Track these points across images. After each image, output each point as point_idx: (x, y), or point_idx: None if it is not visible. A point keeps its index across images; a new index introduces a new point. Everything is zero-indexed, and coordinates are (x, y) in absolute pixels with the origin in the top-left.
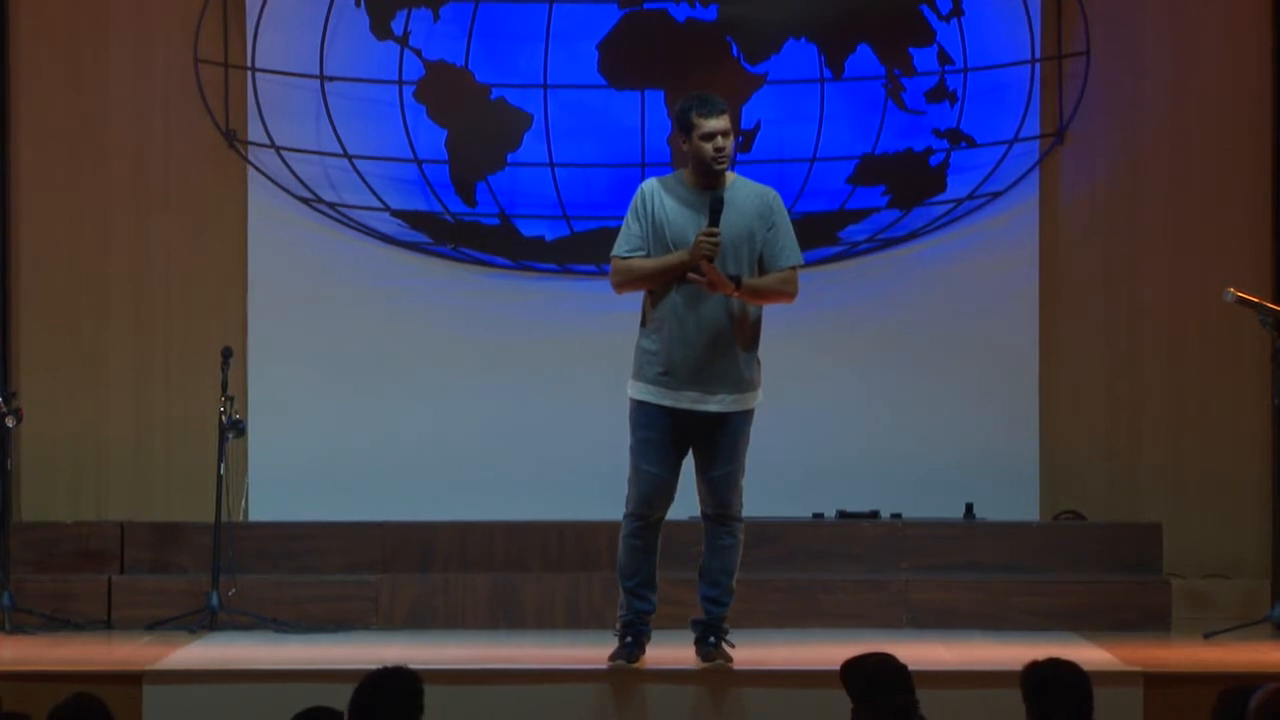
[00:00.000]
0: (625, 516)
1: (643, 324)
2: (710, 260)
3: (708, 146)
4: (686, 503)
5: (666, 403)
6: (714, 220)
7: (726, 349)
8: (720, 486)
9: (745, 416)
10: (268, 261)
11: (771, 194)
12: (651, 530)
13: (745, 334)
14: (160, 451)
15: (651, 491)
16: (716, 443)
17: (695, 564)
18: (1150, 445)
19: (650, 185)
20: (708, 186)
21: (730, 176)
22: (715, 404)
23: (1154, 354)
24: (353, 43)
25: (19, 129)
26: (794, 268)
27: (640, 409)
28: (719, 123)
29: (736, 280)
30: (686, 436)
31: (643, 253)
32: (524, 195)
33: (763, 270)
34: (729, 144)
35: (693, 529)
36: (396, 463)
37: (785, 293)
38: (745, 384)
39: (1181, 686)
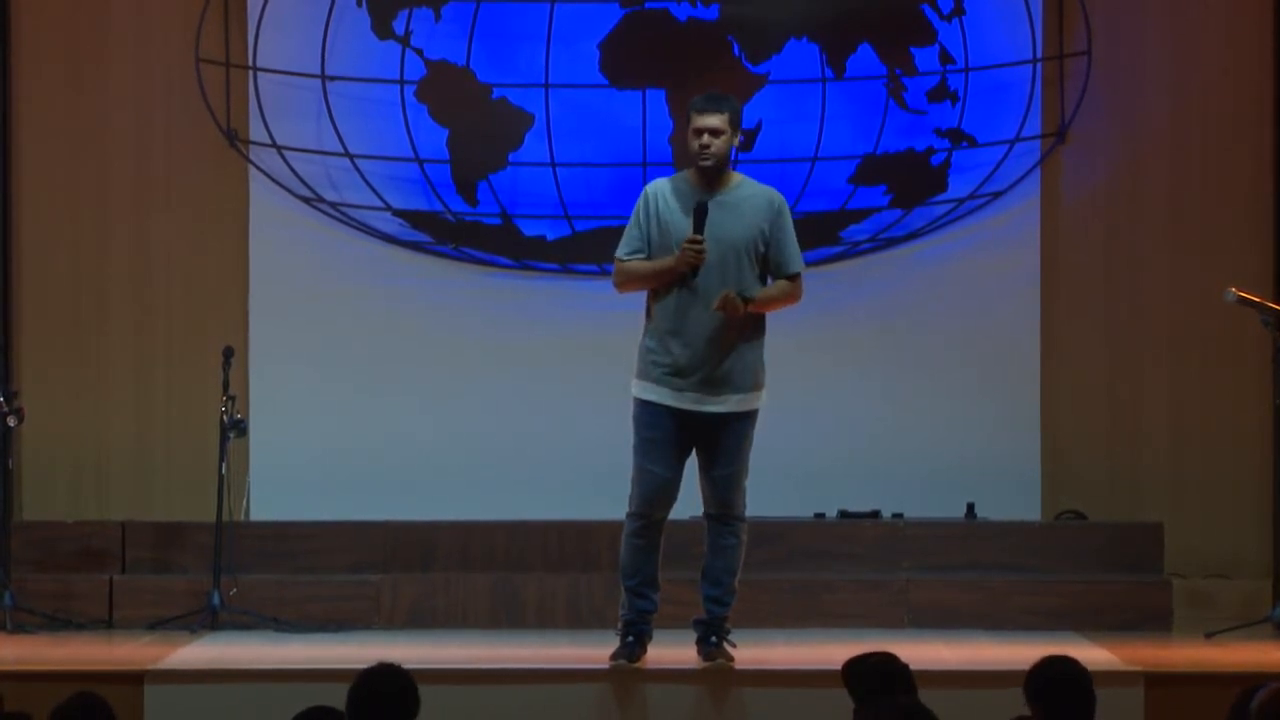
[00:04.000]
0: (628, 515)
1: (646, 323)
2: (696, 267)
3: (694, 142)
4: (689, 503)
5: (670, 402)
6: (698, 228)
7: (730, 349)
8: (723, 486)
9: (749, 417)
10: (269, 261)
11: (776, 196)
12: (654, 529)
13: (748, 335)
14: (161, 451)
15: (654, 491)
16: (719, 443)
17: (697, 564)
18: (1151, 445)
19: (654, 187)
20: (709, 186)
21: (736, 177)
22: (718, 404)
23: (1155, 354)
24: (354, 42)
25: (20, 128)
26: (798, 274)
27: (644, 408)
28: (708, 120)
29: (746, 300)
30: (690, 436)
31: (642, 255)
32: (525, 195)
33: (766, 272)
34: (716, 143)
35: (695, 529)
36: (398, 462)
37: (792, 298)
38: (749, 384)
39: (1183, 686)
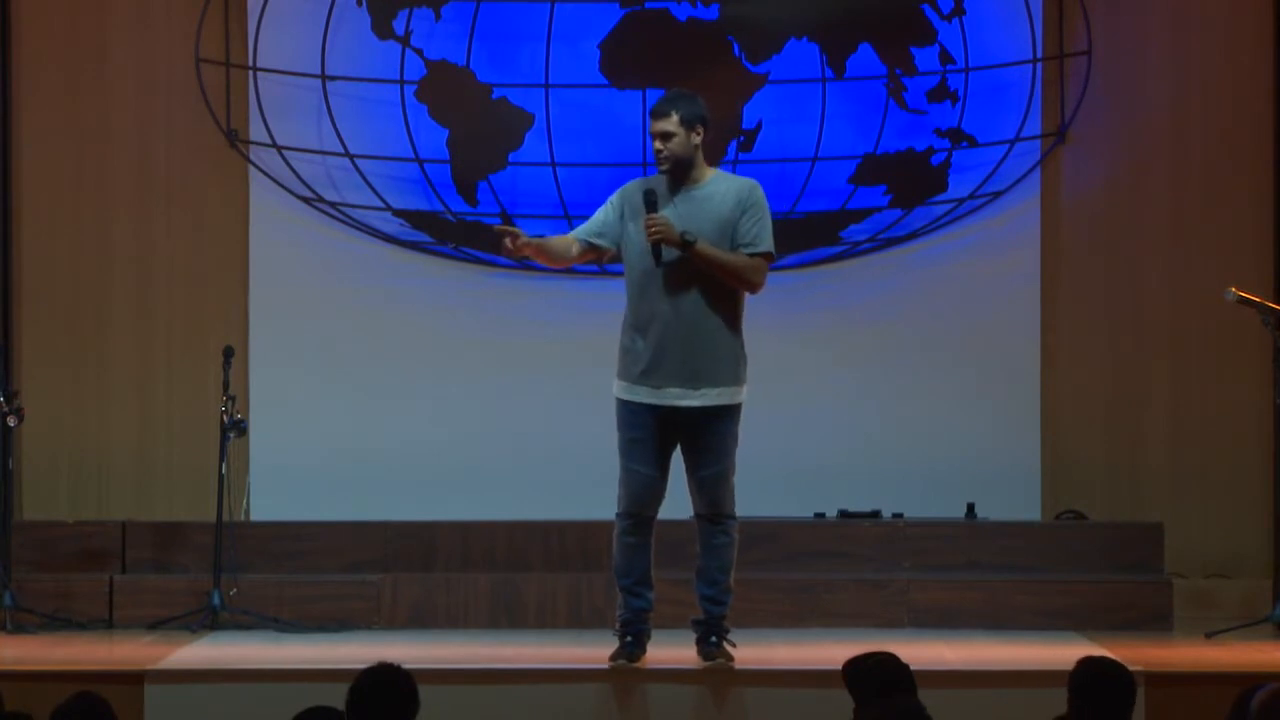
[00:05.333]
0: (617, 516)
1: (624, 321)
2: (658, 245)
3: (654, 144)
4: (685, 502)
5: (650, 400)
6: (649, 209)
7: (707, 343)
8: (711, 486)
9: (731, 413)
10: (269, 261)
11: (749, 185)
12: (644, 527)
13: (725, 328)
14: (162, 451)
15: (642, 490)
16: (704, 442)
17: (694, 563)
18: (1152, 445)
19: (629, 185)
20: (677, 184)
21: (710, 173)
22: (698, 399)
23: (1155, 353)
24: (354, 42)
25: (21, 129)
26: (763, 256)
27: (625, 408)
28: (657, 125)
29: (688, 238)
30: (672, 433)
31: (599, 237)
32: (525, 195)
33: None
34: (669, 146)
35: (691, 528)
36: (398, 462)
37: (747, 278)
38: (728, 378)
39: (1183, 686)
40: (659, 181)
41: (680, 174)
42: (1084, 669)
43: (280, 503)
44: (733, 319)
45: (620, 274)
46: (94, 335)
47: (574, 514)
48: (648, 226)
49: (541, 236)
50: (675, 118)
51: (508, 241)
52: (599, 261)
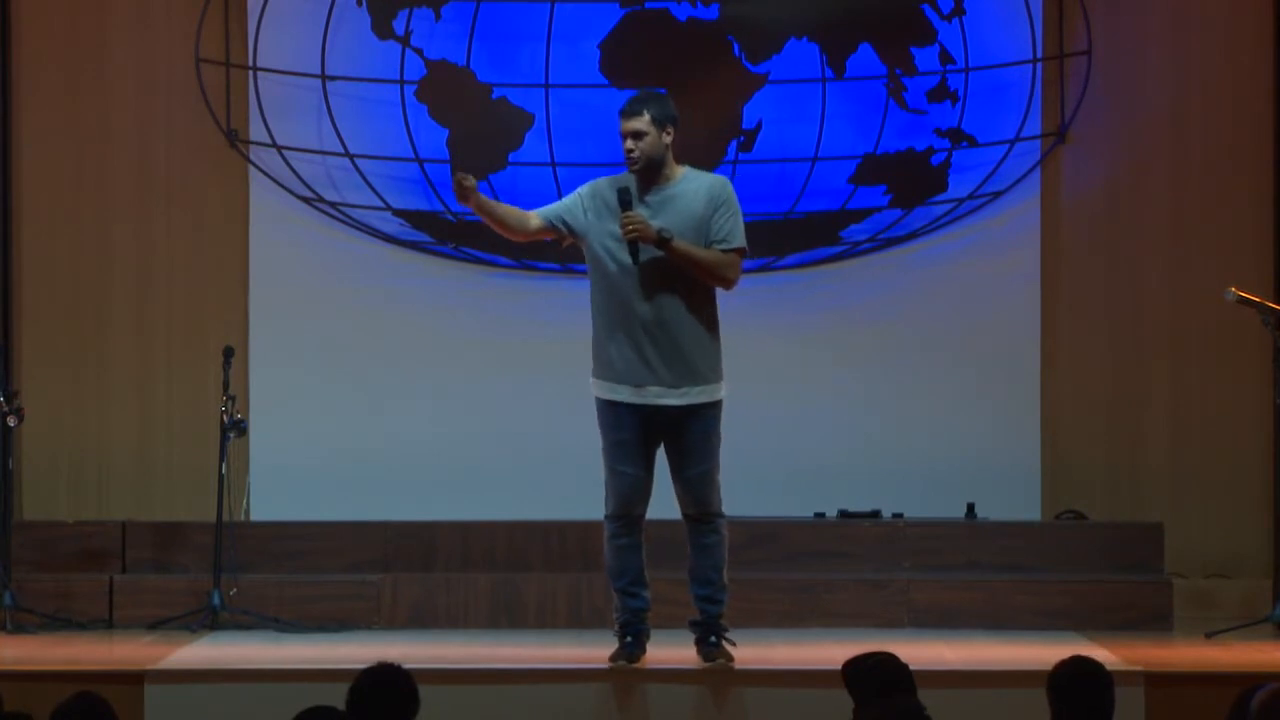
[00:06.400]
0: (606, 519)
1: (596, 321)
2: (634, 243)
3: (624, 144)
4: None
5: (633, 400)
6: (625, 208)
7: (685, 342)
8: (697, 486)
9: (713, 410)
10: (269, 261)
11: (720, 182)
12: (634, 527)
13: (702, 325)
14: (162, 451)
15: (630, 491)
16: (688, 441)
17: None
18: (1152, 445)
19: (601, 182)
20: (648, 183)
21: (680, 171)
22: (680, 397)
23: (1156, 353)
24: (354, 42)
25: (21, 128)
26: (737, 252)
27: (608, 409)
28: (628, 124)
29: (665, 235)
30: (656, 433)
31: (564, 223)
32: (526, 195)
33: None
34: (640, 145)
35: None
36: (398, 462)
37: (722, 274)
38: (708, 375)
39: (1183, 686)
40: (630, 180)
41: (652, 173)
42: (1060, 670)
43: (280, 503)
44: (709, 316)
45: None
46: (94, 335)
47: (574, 514)
48: (624, 225)
49: (495, 201)
50: (646, 117)
51: (459, 178)
52: (558, 244)
